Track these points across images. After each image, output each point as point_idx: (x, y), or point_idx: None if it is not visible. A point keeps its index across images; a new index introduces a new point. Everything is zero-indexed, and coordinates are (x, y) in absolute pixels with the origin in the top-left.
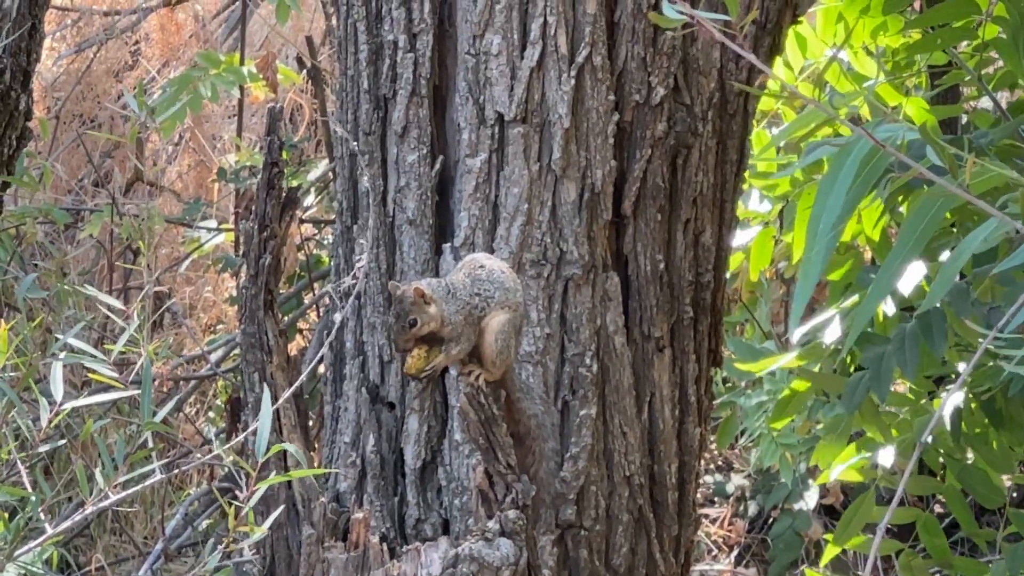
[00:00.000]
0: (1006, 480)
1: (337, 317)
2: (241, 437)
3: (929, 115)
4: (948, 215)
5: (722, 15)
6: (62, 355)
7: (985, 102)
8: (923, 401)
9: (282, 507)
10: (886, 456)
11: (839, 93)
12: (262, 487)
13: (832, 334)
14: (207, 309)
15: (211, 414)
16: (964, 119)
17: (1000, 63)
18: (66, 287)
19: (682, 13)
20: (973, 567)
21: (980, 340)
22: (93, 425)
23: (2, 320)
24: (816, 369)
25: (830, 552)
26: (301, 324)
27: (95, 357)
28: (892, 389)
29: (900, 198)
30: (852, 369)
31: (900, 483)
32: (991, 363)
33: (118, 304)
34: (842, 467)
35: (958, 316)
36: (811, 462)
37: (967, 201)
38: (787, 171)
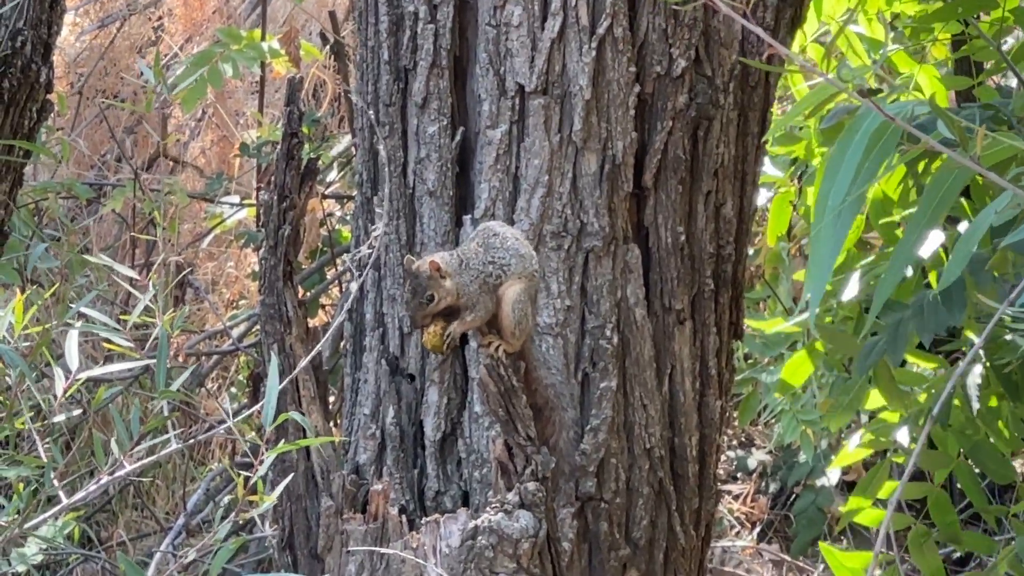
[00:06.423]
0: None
1: (353, 286)
2: (256, 408)
3: (940, 84)
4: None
5: None
6: (77, 324)
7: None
8: (941, 371)
9: (292, 475)
10: (903, 435)
11: (850, 66)
12: (271, 455)
13: (850, 292)
14: (229, 284)
15: (233, 390)
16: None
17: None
18: (80, 256)
19: None
20: (982, 542)
21: (1006, 315)
22: (106, 392)
23: (18, 291)
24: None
25: (844, 520)
26: (323, 300)
27: (111, 327)
28: (910, 370)
29: (922, 165)
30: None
31: (912, 457)
32: (1009, 336)
33: (132, 273)
34: (856, 439)
35: (977, 287)
36: (822, 424)
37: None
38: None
